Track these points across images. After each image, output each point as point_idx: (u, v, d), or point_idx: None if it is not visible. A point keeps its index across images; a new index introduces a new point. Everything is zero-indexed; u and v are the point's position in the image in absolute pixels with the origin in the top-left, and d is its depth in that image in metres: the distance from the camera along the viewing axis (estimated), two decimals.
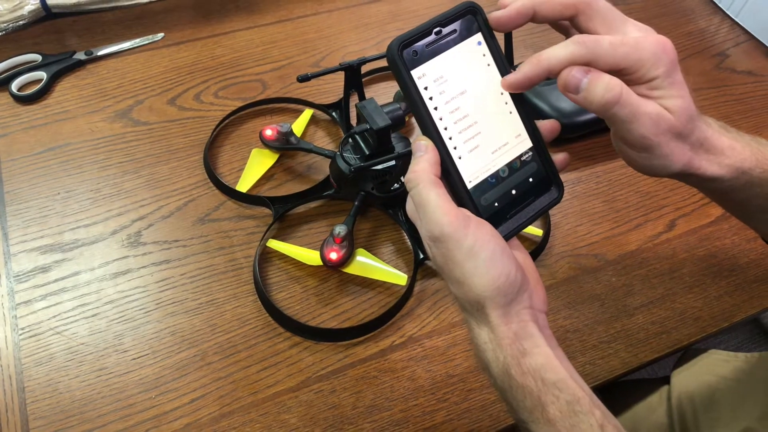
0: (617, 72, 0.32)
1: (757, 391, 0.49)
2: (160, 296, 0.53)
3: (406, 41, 0.32)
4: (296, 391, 0.48)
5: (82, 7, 0.74)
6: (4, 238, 0.55)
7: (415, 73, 0.33)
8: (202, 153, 0.62)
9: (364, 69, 0.62)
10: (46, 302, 0.51)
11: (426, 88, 0.33)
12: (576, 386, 0.31)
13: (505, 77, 0.34)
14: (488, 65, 0.35)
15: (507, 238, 0.35)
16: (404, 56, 0.32)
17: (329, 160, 0.58)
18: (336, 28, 0.78)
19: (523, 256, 0.35)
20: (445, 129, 0.33)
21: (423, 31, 0.33)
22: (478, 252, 0.31)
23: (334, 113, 0.66)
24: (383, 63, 0.65)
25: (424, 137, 0.33)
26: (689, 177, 0.36)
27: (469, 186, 0.34)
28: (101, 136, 0.63)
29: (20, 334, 0.50)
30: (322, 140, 0.66)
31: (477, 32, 0.34)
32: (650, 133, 0.33)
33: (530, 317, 0.32)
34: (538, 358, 0.31)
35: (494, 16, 0.33)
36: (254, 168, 0.61)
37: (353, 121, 0.65)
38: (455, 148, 0.34)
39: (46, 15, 0.74)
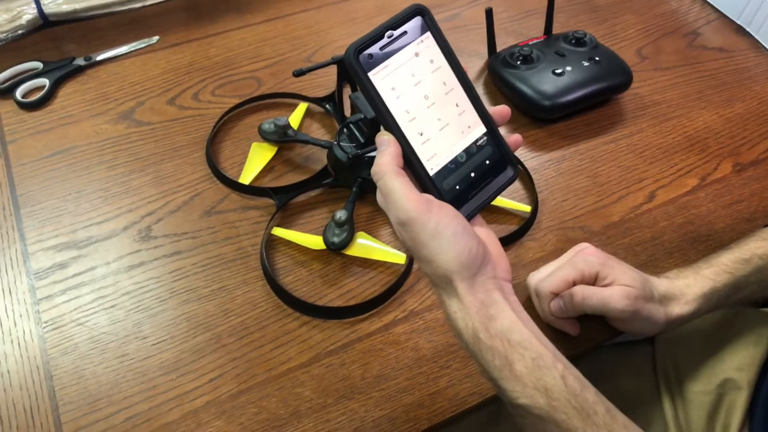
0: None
1: (734, 344, 0.53)
2: (174, 285, 0.56)
3: (361, 46, 0.35)
4: (308, 366, 0.51)
5: (78, 14, 0.77)
6: (21, 239, 0.58)
7: (372, 74, 0.35)
8: (204, 149, 0.65)
9: None
10: (66, 296, 0.54)
11: (383, 88, 0.36)
12: (539, 344, 0.34)
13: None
14: (439, 61, 0.38)
15: (470, 216, 0.38)
16: (360, 60, 0.35)
17: (326, 150, 0.61)
18: (325, 23, 0.81)
19: (486, 232, 0.39)
20: (405, 123, 0.36)
21: (376, 36, 0.36)
22: (441, 232, 0.35)
23: (327, 105, 0.70)
24: None
25: (386, 132, 0.36)
26: (675, 323, 0.46)
27: (431, 173, 0.37)
28: (106, 138, 0.66)
29: (44, 327, 0.52)
30: (318, 131, 0.69)
31: (426, 31, 0.37)
32: (625, 304, 0.46)
33: (495, 286, 0.36)
34: (503, 322, 0.35)
35: None
36: (255, 161, 0.64)
37: (347, 111, 0.68)
38: (415, 139, 0.37)
39: (44, 23, 0.76)
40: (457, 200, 0.38)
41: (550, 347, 0.35)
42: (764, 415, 0.47)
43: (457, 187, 0.38)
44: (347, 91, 0.67)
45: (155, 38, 0.77)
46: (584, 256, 0.49)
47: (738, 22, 0.83)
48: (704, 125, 0.72)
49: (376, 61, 0.36)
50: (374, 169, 0.36)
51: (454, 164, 0.38)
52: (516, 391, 0.34)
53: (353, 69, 0.36)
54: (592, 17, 0.84)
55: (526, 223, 0.61)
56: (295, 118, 0.69)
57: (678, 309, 0.47)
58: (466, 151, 0.39)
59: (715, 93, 0.75)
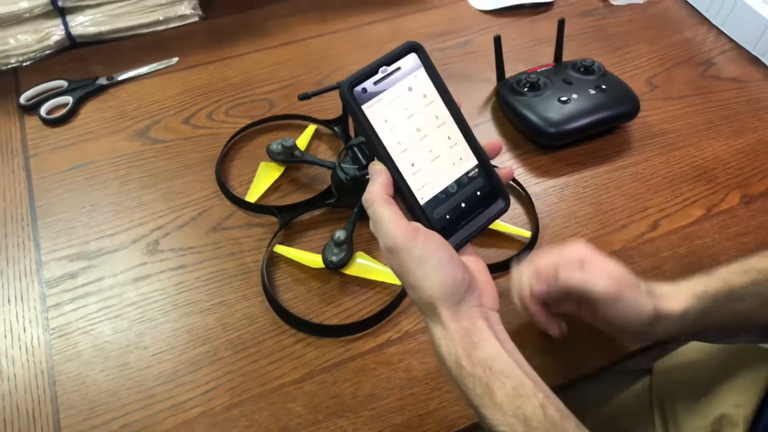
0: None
1: (732, 380, 0.51)
2: (177, 298, 0.57)
3: (355, 81, 0.37)
4: (301, 383, 0.52)
5: (103, 36, 0.81)
6: (36, 249, 0.61)
7: (366, 107, 0.37)
8: (214, 167, 0.67)
9: None
10: (74, 305, 0.57)
11: (376, 120, 0.37)
12: (521, 373, 0.35)
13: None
14: (432, 95, 0.39)
15: (459, 246, 0.39)
16: (354, 94, 0.37)
17: (331, 171, 0.63)
18: (338, 48, 0.83)
19: (475, 260, 0.39)
20: (397, 153, 0.38)
21: (370, 71, 0.37)
22: (426, 259, 0.36)
23: (335, 128, 0.71)
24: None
25: (378, 162, 0.38)
26: (666, 321, 0.43)
27: (422, 202, 0.38)
28: (122, 154, 0.69)
29: (51, 334, 0.55)
30: (325, 153, 0.70)
31: (420, 67, 0.38)
32: (607, 284, 0.43)
33: (479, 314, 0.36)
34: (486, 350, 0.35)
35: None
36: (262, 180, 0.66)
37: (353, 133, 0.70)
38: (406, 169, 0.38)
39: (71, 44, 0.80)
40: (446, 229, 0.39)
41: (533, 377, 0.36)
42: None
43: (447, 216, 0.39)
44: None
45: (174, 59, 0.80)
46: (573, 244, 0.47)
47: (753, 53, 0.83)
48: (713, 155, 0.71)
49: (370, 95, 0.37)
50: (365, 197, 0.38)
51: (445, 194, 0.39)
52: (496, 419, 0.34)
53: (347, 102, 0.37)
54: (604, 45, 0.85)
55: (526, 248, 0.61)
56: (303, 140, 0.71)
57: (667, 304, 0.44)
58: (457, 182, 0.40)
59: (726, 123, 0.75)
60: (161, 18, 0.82)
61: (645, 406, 0.55)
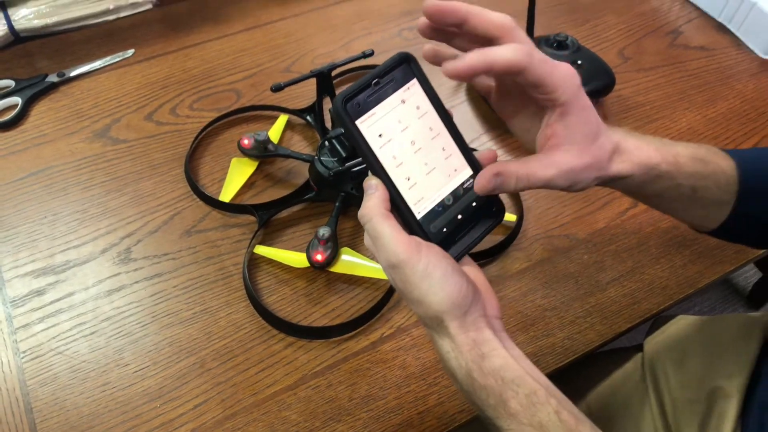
0: (535, 86, 0.35)
1: (722, 351, 0.52)
2: (155, 309, 0.54)
3: (349, 96, 0.35)
4: (294, 389, 0.50)
5: (49, 29, 0.75)
6: None
7: (360, 122, 0.35)
8: (183, 166, 0.64)
9: (334, 72, 0.64)
10: (44, 324, 0.53)
11: (370, 135, 0.35)
12: (532, 380, 0.34)
13: (448, 64, 0.36)
14: (425, 107, 0.37)
15: (459, 257, 0.38)
16: (348, 109, 0.35)
17: (308, 164, 0.60)
18: (303, 31, 0.79)
19: (474, 271, 0.38)
20: (392, 168, 0.36)
21: (363, 85, 0.35)
22: (431, 273, 0.34)
23: (308, 117, 0.68)
24: (352, 65, 0.67)
25: (374, 177, 0.36)
26: (611, 181, 0.40)
27: (418, 216, 0.37)
28: (82, 157, 0.65)
29: (22, 358, 0.51)
30: (299, 144, 0.68)
31: (412, 78, 0.36)
32: (573, 171, 0.37)
33: (485, 324, 0.35)
34: (496, 360, 0.34)
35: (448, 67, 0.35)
36: (235, 177, 0.63)
37: (327, 123, 0.67)
38: (402, 184, 0.36)
39: (15, 39, 0.74)
40: (445, 242, 0.38)
41: (543, 382, 0.35)
42: (758, 422, 0.47)
43: (445, 229, 0.38)
44: (327, 102, 0.66)
45: (130, 51, 0.75)
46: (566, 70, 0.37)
47: (719, 20, 0.83)
48: (688, 126, 0.72)
49: (363, 109, 0.35)
50: (362, 212, 0.36)
51: (442, 207, 0.38)
52: (512, 429, 0.34)
53: (340, 117, 0.35)
54: (573, 18, 0.84)
55: (512, 233, 0.60)
56: (275, 131, 0.67)
57: (620, 166, 0.40)
58: (453, 194, 0.38)
59: (697, 93, 0.75)
60: (111, 7, 0.77)
61: (639, 381, 0.56)
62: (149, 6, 0.80)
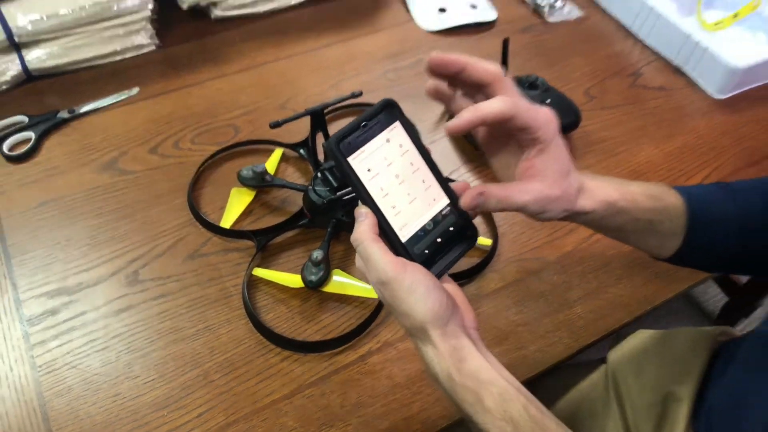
0: (521, 130, 0.42)
1: (677, 360, 0.58)
2: (162, 326, 0.59)
3: (341, 136, 0.41)
4: (291, 398, 0.55)
5: (60, 68, 0.81)
6: (13, 288, 0.61)
7: (351, 159, 0.41)
8: (186, 195, 0.69)
9: (326, 110, 0.71)
10: (58, 341, 0.58)
11: (360, 170, 0.41)
12: (504, 381, 0.40)
13: (449, 123, 0.43)
14: (407, 145, 0.43)
15: (439, 275, 0.44)
16: (341, 148, 0.41)
17: (302, 193, 0.66)
18: (296, 72, 0.86)
19: (453, 288, 0.44)
20: (380, 198, 0.42)
21: (353, 127, 0.41)
22: (416, 288, 0.40)
23: (302, 150, 0.75)
24: (343, 103, 0.74)
25: (364, 206, 0.42)
26: (575, 215, 0.47)
27: (403, 239, 0.43)
28: (92, 187, 0.70)
29: (39, 372, 0.56)
30: (293, 175, 0.74)
31: (396, 120, 0.43)
32: (545, 199, 0.44)
33: (464, 333, 0.41)
34: (473, 364, 0.40)
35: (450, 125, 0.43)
36: (235, 205, 0.69)
37: (320, 156, 0.73)
38: (389, 212, 0.42)
39: (27, 78, 0.80)
40: (427, 262, 0.43)
41: (514, 382, 0.41)
42: (707, 424, 0.53)
43: (427, 251, 0.44)
44: (319, 137, 0.72)
45: (135, 90, 0.81)
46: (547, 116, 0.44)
47: (675, 63, 0.92)
48: (646, 159, 0.79)
49: (354, 147, 0.41)
50: (354, 237, 0.42)
51: (423, 232, 0.44)
52: (487, 423, 0.39)
53: (333, 155, 0.41)
54: (543, 60, 0.91)
55: (488, 256, 0.66)
56: (271, 163, 0.73)
57: (584, 202, 0.47)
58: (433, 220, 0.44)
59: (656, 129, 0.83)
60: (118, 48, 0.83)
61: (603, 390, 0.61)
62: (153, 48, 0.86)
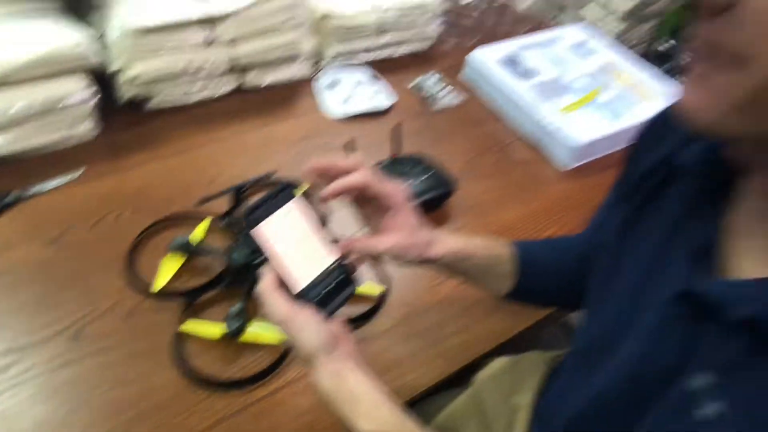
0: (377, 197, 0.59)
1: (523, 377, 0.74)
2: (100, 378, 0.70)
3: (252, 209, 0.56)
4: (214, 428, 0.68)
5: (11, 154, 0.93)
6: None
7: (259, 227, 0.56)
8: (124, 264, 0.82)
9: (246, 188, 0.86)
10: (9, 393, 0.68)
11: (267, 235, 0.56)
12: (377, 393, 0.55)
13: (322, 192, 0.59)
14: (303, 216, 0.59)
15: (330, 314, 0.58)
16: (251, 219, 0.55)
17: (224, 257, 0.80)
18: (223, 154, 1.01)
19: (339, 325, 0.59)
20: (282, 257, 0.57)
21: (261, 202, 0.56)
22: (306, 326, 0.55)
23: (224, 220, 0.89)
24: (260, 181, 0.89)
25: (268, 264, 0.56)
26: (429, 261, 0.64)
27: (300, 288, 0.57)
28: (39, 260, 0.81)
29: None
30: (218, 242, 0.87)
31: (293, 198, 0.58)
32: (399, 247, 0.61)
33: (345, 359, 0.56)
34: (351, 381, 0.55)
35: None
36: (167, 270, 0.82)
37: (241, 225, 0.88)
38: (289, 267, 0.57)
39: None
40: (320, 304, 0.58)
41: (384, 395, 0.55)
42: (537, 428, 0.68)
43: (319, 296, 0.58)
44: (240, 209, 0.87)
45: (79, 172, 0.94)
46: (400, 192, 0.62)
47: (534, 140, 1.13)
48: (511, 220, 0.98)
49: (261, 218, 0.56)
50: (259, 288, 0.56)
51: (316, 282, 0.59)
52: (363, 428, 0.53)
53: (247, 225, 0.56)
54: (430, 139, 1.11)
55: (380, 302, 0.82)
56: (199, 233, 0.87)
57: (434, 250, 0.63)
58: (323, 273, 0.59)
59: (518, 195, 1.02)
60: (65, 136, 0.96)
61: (470, 409, 0.76)
62: (95, 134, 0.99)
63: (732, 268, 0.45)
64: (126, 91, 1.01)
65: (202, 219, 0.89)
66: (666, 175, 0.53)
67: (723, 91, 0.37)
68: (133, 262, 0.83)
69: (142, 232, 0.86)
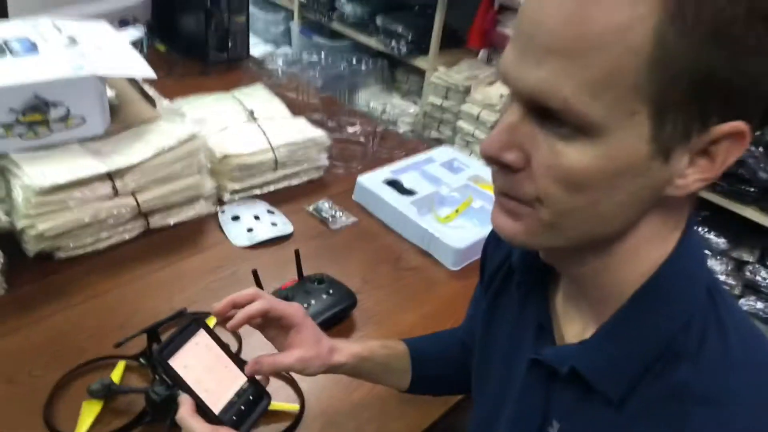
0: (279, 318, 0.69)
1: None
2: None
3: (163, 346, 0.63)
4: None
5: None
6: None
7: (171, 361, 0.63)
8: (41, 416, 0.83)
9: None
10: None
11: (179, 366, 0.64)
12: None
13: (228, 324, 0.67)
14: (212, 345, 0.67)
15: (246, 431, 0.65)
16: (163, 355, 0.63)
17: (144, 394, 0.84)
18: (132, 296, 1.07)
19: None
20: (195, 384, 0.64)
21: (171, 338, 0.64)
22: None
23: (141, 359, 0.93)
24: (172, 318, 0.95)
25: (184, 393, 0.63)
26: (333, 368, 0.74)
27: (216, 411, 0.64)
28: None
29: None
30: (136, 381, 0.91)
31: (200, 328, 0.67)
32: (304, 359, 0.70)
33: None
34: None
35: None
36: (87, 416, 0.84)
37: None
38: (203, 393, 0.64)
39: None
40: (236, 423, 0.65)
41: None
42: None
43: (234, 416, 0.65)
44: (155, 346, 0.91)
45: None
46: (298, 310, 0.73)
47: (423, 248, 1.28)
48: (409, 323, 1.09)
49: (172, 352, 0.63)
50: (178, 416, 0.62)
51: (230, 404, 0.66)
52: None
53: (160, 361, 0.63)
54: (330, 258, 1.22)
55: (298, 417, 0.88)
56: (116, 374, 0.91)
57: (336, 358, 0.73)
58: (237, 394, 0.67)
59: (413, 299, 1.15)
60: None
61: None
62: (2, 292, 1.02)
63: (562, 337, 0.58)
64: (34, 246, 1.05)
65: (117, 362, 0.93)
66: (507, 271, 0.67)
67: (528, 222, 0.49)
68: (51, 415, 0.85)
69: (59, 382, 0.88)
